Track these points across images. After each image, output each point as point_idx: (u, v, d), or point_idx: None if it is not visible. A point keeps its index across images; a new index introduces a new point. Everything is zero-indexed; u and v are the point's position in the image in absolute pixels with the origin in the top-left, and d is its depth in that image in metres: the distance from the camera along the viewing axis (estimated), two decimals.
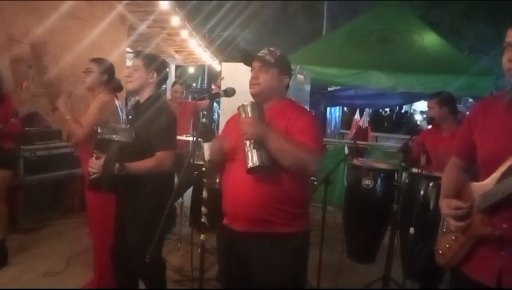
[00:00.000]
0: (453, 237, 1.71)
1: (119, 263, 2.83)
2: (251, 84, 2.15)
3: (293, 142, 1.97)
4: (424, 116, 17.65)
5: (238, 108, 2.02)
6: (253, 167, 1.90)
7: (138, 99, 2.79)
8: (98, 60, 3.32)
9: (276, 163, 1.93)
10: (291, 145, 1.95)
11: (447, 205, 1.69)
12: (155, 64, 2.73)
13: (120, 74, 3.75)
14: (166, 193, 2.43)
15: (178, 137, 4.63)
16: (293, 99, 2.34)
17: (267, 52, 2.17)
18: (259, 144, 1.91)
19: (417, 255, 3.14)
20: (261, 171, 1.93)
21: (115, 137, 2.58)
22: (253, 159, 1.90)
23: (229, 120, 2.37)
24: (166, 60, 3.17)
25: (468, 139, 1.74)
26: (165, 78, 2.85)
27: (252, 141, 1.92)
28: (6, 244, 3.94)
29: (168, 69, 2.90)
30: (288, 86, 2.24)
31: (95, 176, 2.57)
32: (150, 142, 2.58)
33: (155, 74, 2.71)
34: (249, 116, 1.97)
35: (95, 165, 2.55)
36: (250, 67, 2.21)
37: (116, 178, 2.50)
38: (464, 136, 1.79)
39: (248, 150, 1.92)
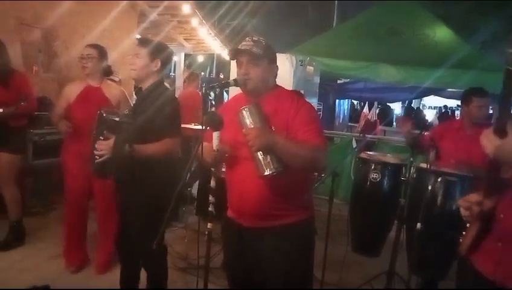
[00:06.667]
0: (468, 225, 1.71)
1: (124, 250, 2.86)
2: (243, 81, 2.03)
3: (298, 143, 1.93)
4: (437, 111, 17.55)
5: (237, 114, 1.94)
6: (268, 175, 1.90)
7: (141, 87, 2.74)
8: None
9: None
10: (298, 147, 1.91)
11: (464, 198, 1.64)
12: (160, 52, 2.67)
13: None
14: (171, 180, 2.43)
15: (187, 126, 4.67)
16: (302, 91, 2.31)
17: (252, 43, 2.03)
18: (268, 152, 1.88)
19: (423, 247, 3.14)
20: (273, 175, 1.91)
21: (116, 118, 2.58)
22: (265, 167, 1.89)
23: (223, 108, 2.25)
24: (176, 48, 3.15)
25: None
26: (169, 66, 2.80)
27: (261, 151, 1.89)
28: (23, 225, 4.02)
29: (172, 57, 2.86)
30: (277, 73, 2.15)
31: (103, 158, 2.50)
32: (155, 128, 2.55)
33: (159, 63, 2.66)
34: (252, 125, 1.90)
35: (104, 146, 2.48)
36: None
37: (123, 162, 2.48)
38: None
39: (258, 158, 1.90)
